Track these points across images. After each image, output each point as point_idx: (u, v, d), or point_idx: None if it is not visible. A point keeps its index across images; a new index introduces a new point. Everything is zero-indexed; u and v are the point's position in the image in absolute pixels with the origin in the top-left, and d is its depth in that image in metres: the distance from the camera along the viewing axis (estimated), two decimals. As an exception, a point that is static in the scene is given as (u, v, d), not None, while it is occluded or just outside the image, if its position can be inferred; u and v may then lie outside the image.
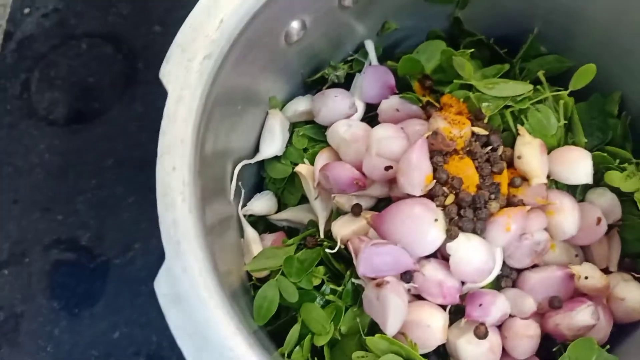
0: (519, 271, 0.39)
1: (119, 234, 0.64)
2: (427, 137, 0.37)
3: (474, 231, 0.36)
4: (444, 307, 0.37)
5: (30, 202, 0.64)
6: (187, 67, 0.32)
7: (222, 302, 0.29)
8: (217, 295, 0.29)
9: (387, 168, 0.37)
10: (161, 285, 0.29)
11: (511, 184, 0.38)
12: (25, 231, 0.63)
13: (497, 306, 0.36)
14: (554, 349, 0.38)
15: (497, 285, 0.38)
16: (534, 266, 0.39)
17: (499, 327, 0.37)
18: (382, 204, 0.40)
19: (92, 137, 0.68)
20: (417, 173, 0.36)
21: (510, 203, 0.37)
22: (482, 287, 0.37)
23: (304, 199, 0.44)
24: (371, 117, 0.44)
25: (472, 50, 0.41)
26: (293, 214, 0.43)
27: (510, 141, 0.39)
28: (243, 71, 0.36)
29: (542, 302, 0.38)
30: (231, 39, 0.33)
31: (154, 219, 0.64)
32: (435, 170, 0.37)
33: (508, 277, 0.38)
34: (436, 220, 0.35)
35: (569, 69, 0.43)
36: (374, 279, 0.35)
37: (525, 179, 0.38)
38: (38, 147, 0.69)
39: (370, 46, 0.44)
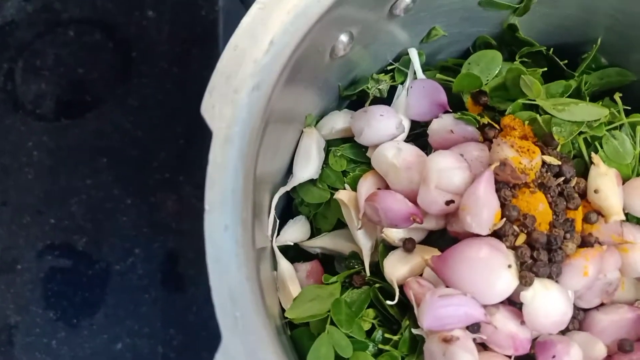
0: (585, 311, 0.34)
1: (118, 239, 0.59)
2: (495, 168, 0.31)
3: (549, 276, 0.31)
4: (509, 356, 0.32)
5: (20, 205, 0.59)
6: (234, 101, 0.26)
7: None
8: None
9: (449, 203, 0.32)
10: (220, 373, 0.23)
11: (586, 221, 0.33)
12: (16, 236, 0.58)
13: (570, 357, 0.31)
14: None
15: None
16: (600, 305, 0.34)
17: (569, 375, 0.33)
18: (434, 235, 0.35)
19: (84, 134, 0.62)
20: (486, 211, 0.31)
21: (584, 242, 0.32)
22: (550, 332, 0.32)
23: (339, 223, 0.39)
24: (416, 134, 0.38)
25: (544, 69, 0.35)
26: (329, 242, 0.38)
27: (580, 171, 0.34)
28: (288, 95, 0.30)
29: (611, 345, 0.33)
30: (282, 63, 0.27)
31: (155, 223, 0.59)
32: (503, 206, 0.31)
33: (575, 319, 0.33)
34: (509, 266, 0.30)
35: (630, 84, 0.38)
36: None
37: (600, 214, 0.33)
38: (26, 144, 0.62)
39: (414, 55, 0.37)
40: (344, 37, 0.31)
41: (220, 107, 0.26)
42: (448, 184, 0.32)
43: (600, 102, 0.37)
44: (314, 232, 0.40)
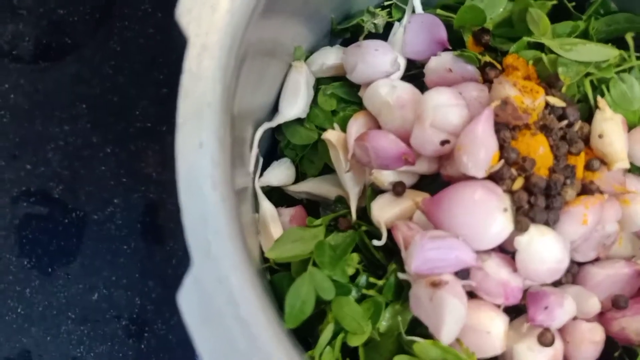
0: (580, 265, 0.32)
1: (96, 188, 0.57)
2: (495, 107, 0.29)
3: (546, 223, 0.29)
4: (498, 305, 0.30)
5: (-7, 149, 0.55)
6: (214, 6, 0.23)
7: (267, 324, 0.21)
8: (262, 315, 0.21)
9: (444, 143, 0.30)
10: (188, 300, 0.21)
11: (588, 167, 0.31)
12: (-12, 181, 0.54)
13: (564, 309, 0.29)
14: (616, 354, 0.32)
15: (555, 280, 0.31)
16: (596, 259, 0.32)
17: (559, 330, 0.31)
18: (425, 181, 0.33)
19: (62, 78, 0.59)
20: (483, 151, 0.28)
21: (585, 190, 0.30)
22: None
23: (326, 169, 0.36)
24: (412, 75, 0.35)
25: (553, 2, 0.33)
26: (315, 187, 0.35)
27: (584, 116, 0.32)
28: (273, 18, 0.27)
29: (605, 302, 0.31)
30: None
31: (135, 173, 0.57)
32: (502, 148, 0.29)
33: (569, 272, 0.32)
34: (505, 210, 0.28)
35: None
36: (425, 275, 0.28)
37: (603, 162, 0.31)
38: (2, 86, 0.59)
39: (412, -12, 0.35)
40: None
41: (198, 10, 0.23)
42: (444, 122, 0.30)
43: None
44: (299, 177, 0.37)
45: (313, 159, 0.36)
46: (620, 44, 0.35)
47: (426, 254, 0.28)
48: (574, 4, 0.35)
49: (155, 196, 0.57)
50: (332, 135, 0.33)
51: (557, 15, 0.36)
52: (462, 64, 0.33)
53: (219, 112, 0.22)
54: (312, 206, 0.37)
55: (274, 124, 0.33)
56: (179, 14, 0.23)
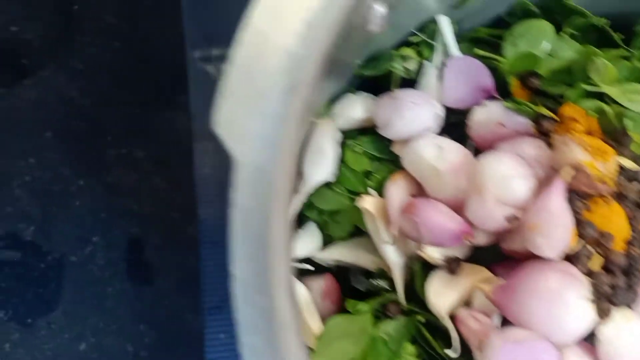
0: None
1: (71, 226, 0.51)
2: (566, 176, 0.24)
3: (627, 305, 0.25)
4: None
5: (-47, 189, 0.49)
6: (263, 111, 0.17)
7: None
8: None
9: (510, 219, 0.25)
10: None
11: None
12: (-48, 225, 0.49)
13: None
14: None
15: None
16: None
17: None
18: (479, 251, 0.28)
19: (22, 105, 0.53)
20: (561, 230, 0.24)
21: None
22: None
23: (356, 231, 0.31)
24: (450, 124, 0.30)
25: (623, 52, 0.28)
26: (349, 254, 0.30)
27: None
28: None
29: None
30: (322, 50, 0.18)
31: (114, 206, 0.51)
32: (576, 222, 0.25)
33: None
34: (586, 296, 0.24)
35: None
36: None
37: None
38: (-46, 118, 0.52)
39: (446, 25, 0.29)
40: (381, 10, 0.23)
41: (242, 120, 0.17)
42: (510, 195, 0.25)
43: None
44: (325, 240, 0.32)
45: (340, 221, 0.31)
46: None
47: (508, 358, 0.23)
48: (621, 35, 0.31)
49: (139, 230, 0.52)
50: (369, 203, 0.28)
51: (598, 41, 0.31)
52: (513, 116, 0.28)
53: (286, 255, 0.17)
54: (341, 273, 0.32)
55: (302, 198, 0.28)
56: (218, 125, 0.17)
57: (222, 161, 0.53)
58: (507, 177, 0.25)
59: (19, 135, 0.52)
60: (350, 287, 0.32)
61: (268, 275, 0.16)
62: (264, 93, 0.17)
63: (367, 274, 0.31)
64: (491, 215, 0.25)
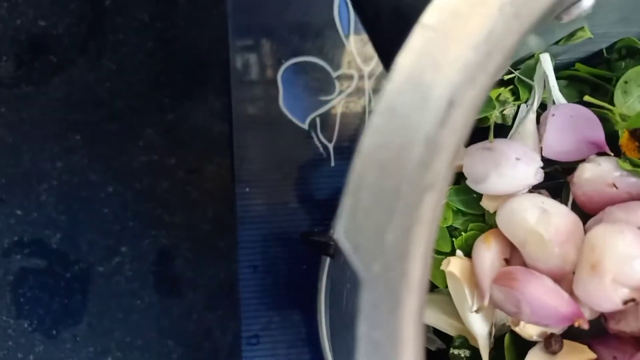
0: None
1: (99, 235, 0.48)
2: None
3: None
4: None
5: (-23, 192, 0.46)
6: (402, 226, 0.13)
7: None
8: None
9: (627, 302, 0.21)
10: None
11: None
12: (-26, 230, 0.45)
13: None
14: None
15: None
16: None
17: None
18: (577, 328, 0.24)
19: (50, 104, 0.49)
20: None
21: None
22: None
23: (431, 286, 0.27)
24: (545, 175, 0.26)
25: None
26: (426, 315, 0.26)
27: None
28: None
29: None
30: (464, 133, 0.14)
31: (143, 215, 0.48)
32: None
33: None
34: None
35: None
36: None
37: None
38: (-22, 116, 0.48)
39: (548, 65, 0.25)
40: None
41: (374, 227, 0.13)
42: (630, 276, 0.21)
43: None
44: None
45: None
46: None
47: None
48: None
49: (168, 241, 0.49)
50: (455, 266, 0.24)
51: None
52: (627, 177, 0.24)
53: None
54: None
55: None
56: (342, 232, 0.13)
57: (262, 179, 0.50)
58: (629, 257, 0.21)
59: (47, 137, 0.48)
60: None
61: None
62: (400, 192, 0.13)
63: (439, 332, 0.28)
64: (607, 296, 0.21)
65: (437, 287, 0.27)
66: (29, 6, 0.49)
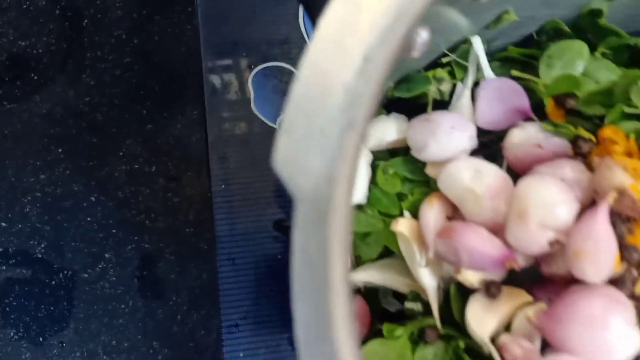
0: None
1: (83, 243, 0.50)
2: (612, 200, 0.24)
3: (672, 329, 0.24)
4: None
5: (-38, 207, 0.48)
6: (323, 149, 0.16)
7: None
8: None
9: (553, 244, 0.24)
10: None
11: None
12: (-39, 242, 0.48)
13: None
14: None
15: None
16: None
17: None
18: (516, 274, 0.27)
19: (33, 119, 0.52)
20: (606, 255, 0.23)
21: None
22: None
23: (385, 252, 0.30)
24: (481, 144, 0.29)
25: None
26: (379, 276, 0.30)
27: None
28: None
29: None
30: (379, 85, 0.18)
31: (126, 222, 0.50)
32: (620, 246, 0.24)
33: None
34: (632, 321, 0.23)
35: None
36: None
37: None
38: (-38, 134, 0.51)
39: (479, 47, 0.29)
40: (424, 35, 0.22)
41: (303, 159, 0.16)
42: (553, 220, 0.24)
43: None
44: (355, 262, 0.31)
45: (370, 243, 0.30)
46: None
47: (556, 388, 0.23)
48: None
49: (151, 246, 0.51)
50: (404, 226, 0.27)
51: (630, 61, 0.31)
52: (551, 138, 0.27)
53: (349, 316, 0.16)
54: (370, 295, 0.31)
55: (338, 220, 0.27)
56: (279, 164, 0.16)
57: (237, 176, 0.53)
58: (551, 203, 0.24)
59: (29, 151, 0.51)
60: (379, 308, 0.31)
61: (328, 318, 0.16)
62: (325, 130, 0.17)
63: (398, 295, 0.31)
64: (534, 240, 0.25)
65: (393, 252, 0.30)
66: (9, 27, 0.52)
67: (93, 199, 0.50)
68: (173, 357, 0.49)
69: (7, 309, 0.48)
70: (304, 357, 0.15)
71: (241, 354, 0.45)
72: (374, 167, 0.30)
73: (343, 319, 0.16)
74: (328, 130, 0.17)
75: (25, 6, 0.53)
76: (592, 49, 0.30)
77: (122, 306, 0.49)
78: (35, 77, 0.52)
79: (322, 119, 0.17)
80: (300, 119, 0.17)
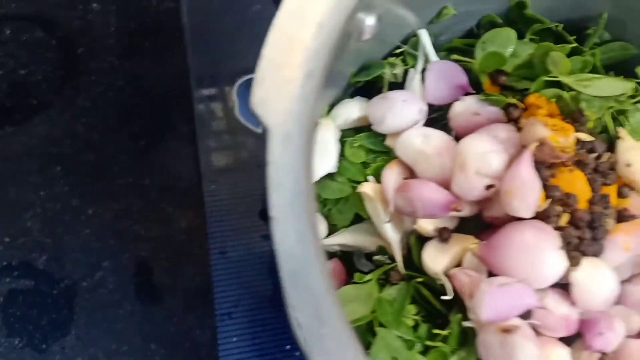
0: (616, 284, 0.34)
1: (82, 254, 0.54)
2: (533, 149, 0.30)
3: (593, 254, 0.30)
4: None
5: (-33, 223, 0.52)
6: (289, 92, 0.23)
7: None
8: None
9: (489, 187, 0.30)
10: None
11: (619, 195, 0.32)
12: (-34, 257, 0.51)
13: (616, 332, 0.31)
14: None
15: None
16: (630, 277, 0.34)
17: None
18: (466, 222, 0.33)
19: (33, 141, 0.57)
20: (531, 193, 0.29)
21: (620, 217, 0.32)
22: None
23: (356, 217, 0.36)
24: (432, 118, 0.36)
25: (575, 45, 0.34)
26: (351, 238, 0.35)
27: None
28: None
29: (643, 317, 0.33)
30: (330, 47, 0.24)
31: (122, 232, 0.55)
32: (544, 187, 0.30)
33: (610, 294, 0.33)
34: (558, 246, 0.29)
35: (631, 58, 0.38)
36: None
37: (631, 188, 0.32)
38: (-32, 156, 0.56)
39: (425, 37, 0.36)
40: (371, 20, 0.29)
41: (274, 100, 0.23)
42: (487, 168, 0.30)
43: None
44: (330, 230, 0.37)
45: (342, 210, 0.36)
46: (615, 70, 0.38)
47: (496, 302, 0.28)
48: (575, 37, 0.37)
49: (146, 254, 0.55)
50: (369, 188, 0.33)
51: (555, 43, 0.38)
52: (487, 107, 0.34)
53: (307, 200, 0.22)
54: (346, 258, 0.37)
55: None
56: (255, 104, 0.23)
57: (229, 174, 0.57)
58: (484, 153, 0.30)
59: (30, 170, 0.55)
60: (355, 270, 0.37)
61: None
62: (290, 78, 0.23)
63: (370, 257, 0.37)
64: (473, 186, 0.31)
65: (363, 219, 0.36)
66: (10, 58, 0.58)
67: (90, 212, 0.54)
68: (171, 357, 0.53)
69: (12, 318, 0.51)
70: (290, 299, 0.21)
71: (234, 339, 0.49)
72: (342, 142, 0.36)
73: (315, 234, 0.21)
74: (292, 79, 0.23)
75: (24, 38, 0.59)
76: (522, 36, 0.37)
77: (121, 311, 0.53)
78: (35, 102, 0.57)
79: (287, 71, 0.23)
80: (270, 71, 0.23)
